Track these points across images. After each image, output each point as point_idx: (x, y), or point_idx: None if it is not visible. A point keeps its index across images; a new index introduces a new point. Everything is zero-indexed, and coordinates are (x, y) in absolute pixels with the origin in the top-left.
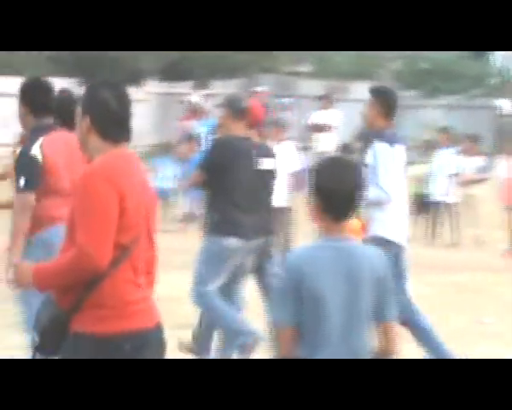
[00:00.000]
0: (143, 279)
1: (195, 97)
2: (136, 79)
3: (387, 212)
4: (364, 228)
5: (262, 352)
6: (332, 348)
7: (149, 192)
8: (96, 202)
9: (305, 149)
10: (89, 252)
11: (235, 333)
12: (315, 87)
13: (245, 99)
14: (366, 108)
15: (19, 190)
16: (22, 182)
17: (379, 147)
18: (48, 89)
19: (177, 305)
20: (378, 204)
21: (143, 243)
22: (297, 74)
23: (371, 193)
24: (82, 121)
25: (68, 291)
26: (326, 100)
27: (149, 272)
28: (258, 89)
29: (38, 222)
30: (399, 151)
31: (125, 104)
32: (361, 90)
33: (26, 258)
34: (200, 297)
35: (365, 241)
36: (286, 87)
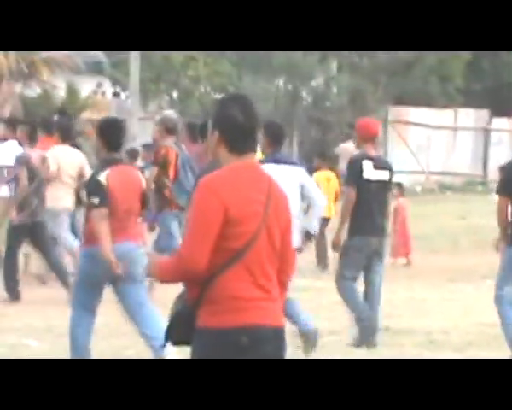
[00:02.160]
0: (269, 282)
1: None
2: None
3: None
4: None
5: None
6: None
7: (274, 201)
8: (197, 212)
9: None
10: (184, 256)
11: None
12: None
13: None
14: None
15: (94, 206)
16: (97, 200)
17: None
18: (120, 128)
19: None
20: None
21: (263, 249)
22: None
23: None
24: (212, 135)
25: (192, 288)
26: None
27: (280, 280)
28: None
29: (93, 236)
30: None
31: (251, 117)
32: None
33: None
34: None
35: None
36: None
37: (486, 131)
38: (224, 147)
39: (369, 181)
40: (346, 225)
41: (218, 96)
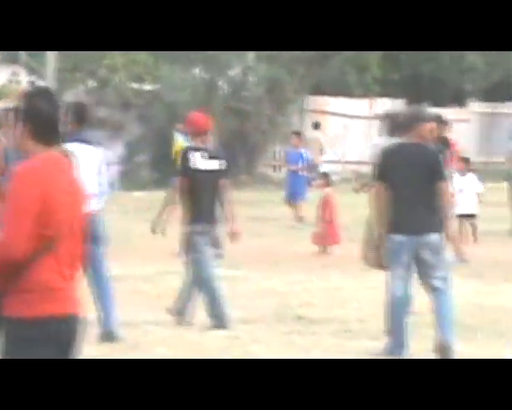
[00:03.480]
0: (75, 271)
1: None
2: (460, 99)
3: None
4: None
5: None
6: None
7: (78, 193)
8: (17, 200)
9: None
10: (6, 242)
11: None
12: None
13: None
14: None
15: None
16: None
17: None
18: None
19: None
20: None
21: (69, 240)
22: None
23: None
24: (19, 127)
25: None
26: None
27: (73, 266)
28: None
29: None
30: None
31: (55, 109)
32: None
33: None
34: None
35: None
36: None
37: None
38: (31, 138)
39: (198, 171)
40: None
41: (135, 85)
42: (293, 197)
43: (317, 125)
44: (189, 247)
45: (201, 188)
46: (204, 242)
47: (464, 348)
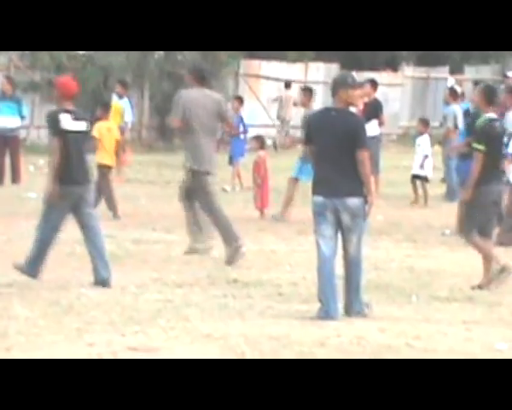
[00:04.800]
0: None
1: (451, 81)
2: (394, 63)
3: None
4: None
5: None
6: None
7: None
8: None
9: None
10: None
11: None
12: None
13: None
14: None
15: None
16: None
17: None
18: None
19: None
20: None
21: None
22: None
23: None
24: None
25: None
26: None
27: None
28: (510, 74)
29: None
30: None
31: None
32: None
33: None
34: None
35: None
36: None
37: None
38: None
39: (67, 132)
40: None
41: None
42: (232, 160)
43: (288, 85)
44: (52, 206)
45: (71, 148)
46: (66, 204)
47: (399, 312)
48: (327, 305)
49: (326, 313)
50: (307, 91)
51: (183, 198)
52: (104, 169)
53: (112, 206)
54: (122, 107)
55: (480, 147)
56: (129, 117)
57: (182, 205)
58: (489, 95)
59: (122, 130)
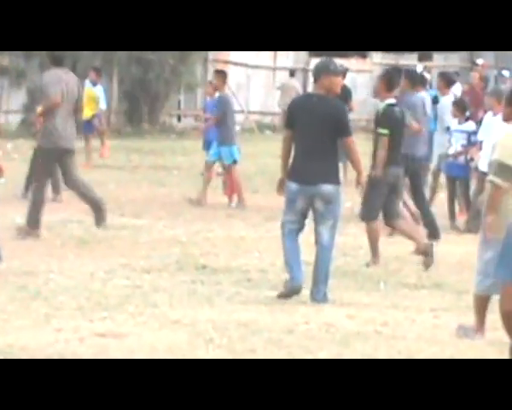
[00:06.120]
0: None
1: (419, 68)
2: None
3: None
4: None
5: None
6: None
7: None
8: None
9: None
10: None
11: None
12: None
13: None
14: None
15: None
16: None
17: None
18: None
19: None
20: None
21: None
22: None
23: None
24: None
25: None
26: None
27: None
28: (479, 61)
29: None
30: None
31: None
32: None
33: None
34: None
35: None
36: (507, 60)
37: (305, 72)
38: None
39: None
40: None
41: None
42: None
43: (292, 73)
44: None
45: None
46: None
47: (368, 299)
48: (292, 272)
49: (292, 280)
50: (220, 74)
51: None
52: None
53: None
54: (96, 94)
55: (384, 131)
56: (103, 104)
57: None
58: (388, 82)
59: (99, 118)
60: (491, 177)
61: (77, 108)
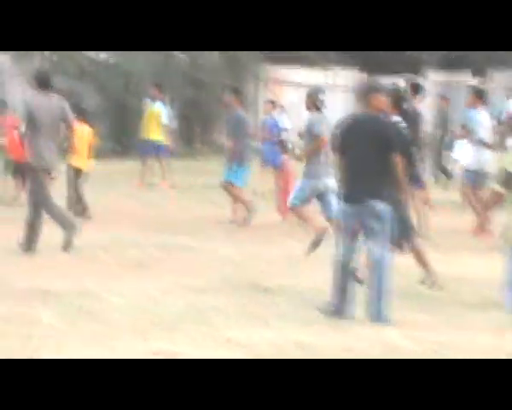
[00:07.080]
0: None
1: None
2: (417, 68)
3: None
4: None
5: None
6: None
7: None
8: None
9: None
10: None
11: None
12: None
13: None
14: None
15: None
16: None
17: None
18: None
19: None
20: None
21: None
22: None
23: None
24: None
25: None
26: None
27: None
28: None
29: None
30: None
31: None
32: None
33: None
34: None
35: None
36: None
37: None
38: None
39: None
40: None
41: (91, 53)
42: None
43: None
44: None
45: None
46: None
47: (427, 317)
48: (335, 306)
49: (333, 312)
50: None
51: None
52: (74, 171)
53: (71, 206)
54: (158, 110)
55: None
56: (166, 119)
57: None
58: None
59: (167, 150)
60: None
61: (59, 130)
